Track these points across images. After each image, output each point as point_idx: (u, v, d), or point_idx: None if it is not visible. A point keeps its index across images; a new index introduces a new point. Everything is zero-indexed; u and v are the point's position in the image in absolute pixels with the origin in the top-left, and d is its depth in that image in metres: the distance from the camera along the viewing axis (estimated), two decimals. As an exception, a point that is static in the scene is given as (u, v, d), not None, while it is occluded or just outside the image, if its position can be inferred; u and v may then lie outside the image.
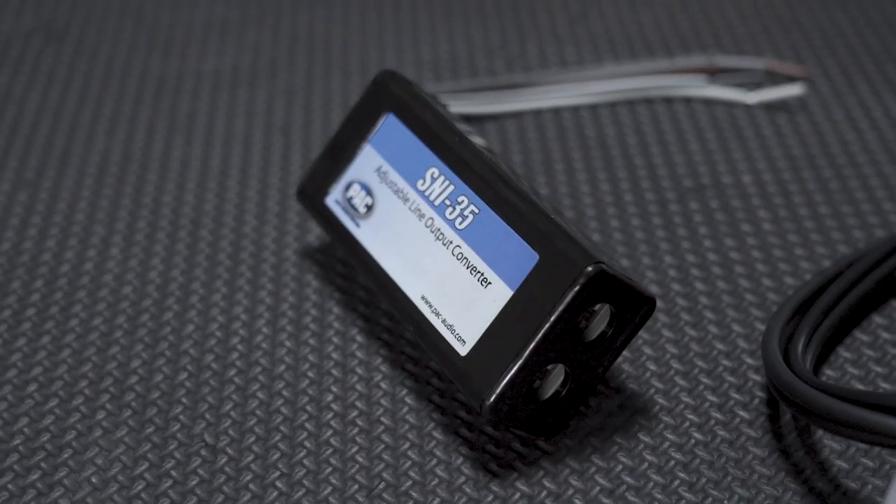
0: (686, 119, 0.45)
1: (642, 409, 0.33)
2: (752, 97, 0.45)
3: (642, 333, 0.36)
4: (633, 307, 0.32)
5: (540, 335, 0.30)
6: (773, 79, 0.46)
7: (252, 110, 0.46)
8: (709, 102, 0.45)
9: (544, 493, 0.31)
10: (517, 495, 0.31)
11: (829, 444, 0.32)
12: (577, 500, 0.31)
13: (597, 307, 0.31)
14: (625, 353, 0.35)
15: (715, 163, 0.43)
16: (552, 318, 0.30)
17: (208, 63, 0.49)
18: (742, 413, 0.33)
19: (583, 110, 0.45)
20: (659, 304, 0.37)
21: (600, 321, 0.32)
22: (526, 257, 0.31)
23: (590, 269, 0.30)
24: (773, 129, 0.44)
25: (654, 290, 0.37)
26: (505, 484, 0.32)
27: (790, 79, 0.46)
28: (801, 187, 0.41)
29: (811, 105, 0.45)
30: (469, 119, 0.44)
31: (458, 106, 0.44)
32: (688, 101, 0.46)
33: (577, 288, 0.30)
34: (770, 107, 0.45)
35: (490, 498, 0.31)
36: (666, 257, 0.39)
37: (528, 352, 0.30)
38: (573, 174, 0.42)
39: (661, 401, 0.34)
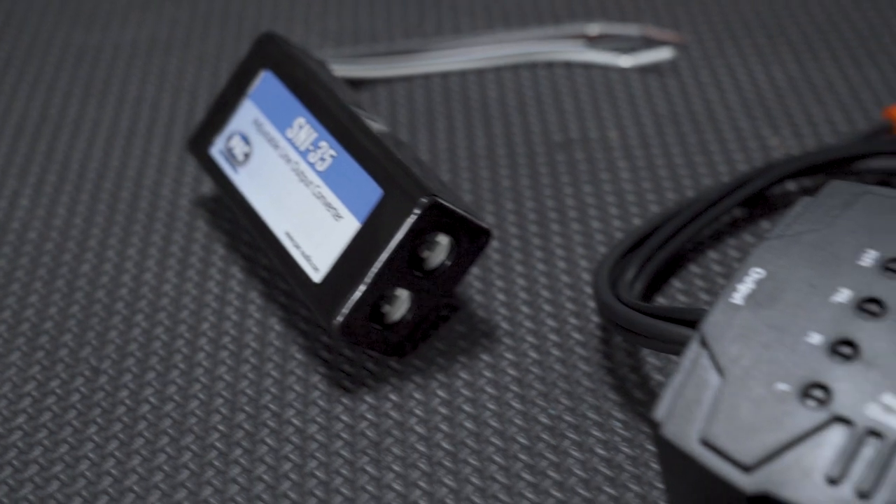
0: (564, 81, 0.48)
1: (487, 333, 0.37)
2: (627, 61, 0.49)
3: (494, 267, 0.39)
4: (470, 238, 0.35)
5: (381, 262, 0.34)
6: (650, 44, 0.49)
7: (164, 76, 0.50)
8: (587, 66, 0.49)
9: (389, 404, 0.35)
10: (364, 406, 0.35)
11: (651, 360, 0.36)
12: (417, 411, 0.35)
13: (438, 238, 0.35)
14: (477, 284, 0.38)
15: (585, 120, 0.46)
16: (391, 247, 0.34)
17: (128, 34, 0.52)
18: (576, 335, 0.37)
19: (470, 75, 0.49)
20: (514, 242, 0.40)
21: (441, 251, 0.35)
22: (372, 193, 0.35)
23: (424, 200, 0.34)
24: (643, 89, 0.47)
25: (512, 230, 0.41)
26: (354, 397, 0.35)
27: (665, 44, 0.49)
28: (661, 141, 0.45)
29: (682, 68, 0.49)
30: (363, 83, 0.48)
31: (353, 71, 0.47)
32: (568, 65, 0.49)
33: (412, 218, 0.34)
34: (644, 70, 0.48)
35: (340, 409, 0.35)
36: (528, 202, 0.42)
37: (370, 277, 0.34)
38: (453, 132, 0.46)
39: (504, 326, 0.37)
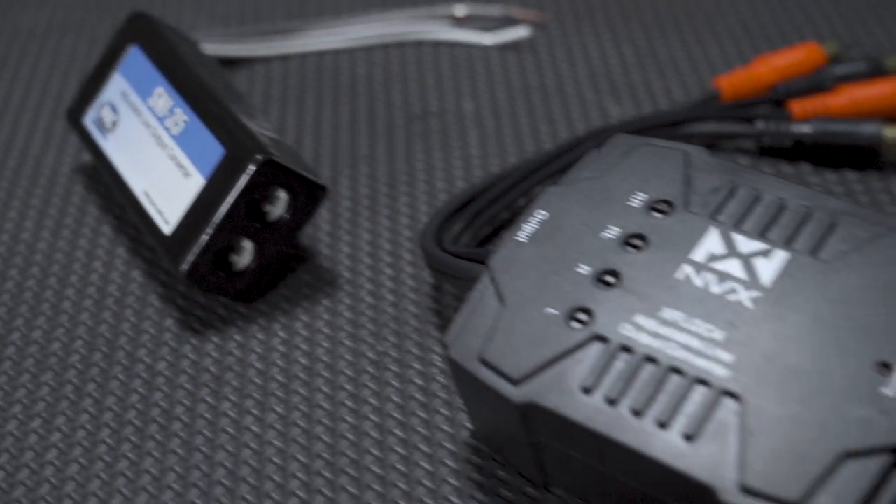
0: (429, 59, 0.52)
1: (330, 282, 0.41)
2: (488, 38, 0.52)
3: (343, 224, 0.43)
4: (306, 193, 0.39)
5: (221, 214, 0.38)
6: (513, 23, 0.53)
7: (57, 56, 0.53)
8: (453, 45, 0.53)
9: (233, 344, 0.38)
10: (210, 346, 0.38)
11: (474, 304, 0.39)
12: (257, 349, 0.38)
13: (277, 192, 0.38)
14: (326, 239, 0.42)
15: (445, 94, 0.50)
16: (230, 200, 0.37)
17: (27, 18, 0.56)
18: (410, 283, 0.40)
19: (343, 54, 0.52)
20: (364, 202, 0.44)
21: (280, 205, 0.39)
22: (216, 152, 0.39)
23: (259, 157, 0.37)
24: (501, 65, 0.51)
25: (364, 191, 0.44)
26: (202, 338, 0.39)
27: (525, 23, 0.53)
28: (512, 112, 0.48)
29: (539, 46, 0.52)
30: (243, 61, 0.51)
31: (233, 50, 0.51)
32: (435, 44, 0.53)
33: (248, 174, 0.37)
34: (504, 48, 0.52)
35: (188, 349, 0.38)
36: (381, 167, 0.46)
37: (211, 228, 0.38)
38: (321, 107, 0.49)
39: (346, 275, 0.41)
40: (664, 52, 0.51)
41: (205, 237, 0.38)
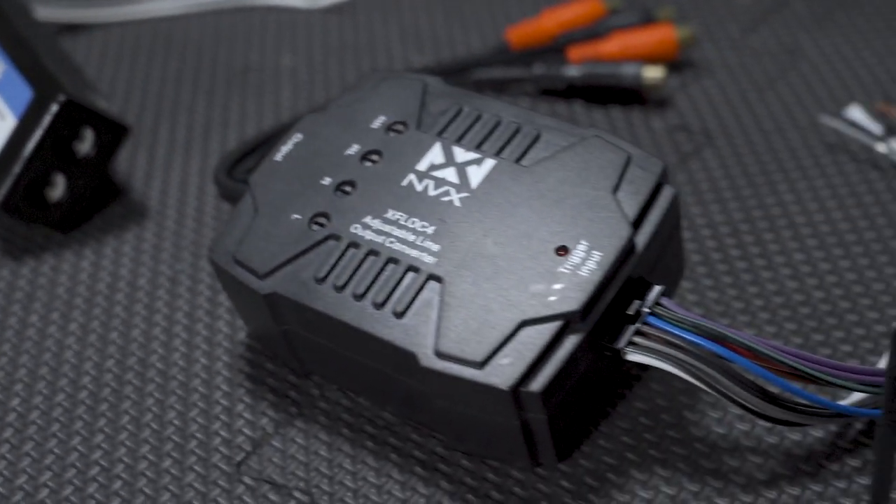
0: (257, 22, 0.57)
1: (140, 213, 0.45)
2: (306, 2, 0.57)
3: (158, 164, 0.48)
4: (110, 132, 0.43)
5: (29, 150, 0.42)
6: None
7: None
8: (281, 9, 0.57)
9: (46, 267, 0.43)
10: (26, 269, 0.43)
11: (265, 228, 0.44)
12: (67, 270, 0.43)
13: (85, 131, 0.43)
14: (140, 177, 0.47)
15: (266, 53, 0.54)
16: (37, 137, 0.42)
17: None
18: (211, 212, 0.45)
19: (179, 20, 0.57)
20: (178, 145, 0.49)
21: (87, 142, 0.43)
22: (26, 95, 0.43)
23: (62, 98, 0.42)
24: (323, 27, 0.56)
25: (180, 137, 0.49)
26: (19, 263, 0.43)
27: (349, -12, 0.58)
28: (325, 66, 0.53)
29: (360, 8, 0.57)
30: (83, 27, 0.56)
31: (73, 15, 0.56)
32: (268, 8, 0.57)
33: (52, 114, 0.42)
34: (329, 11, 0.57)
35: (6, 272, 0.43)
36: (199, 116, 0.50)
37: (21, 163, 0.42)
38: (152, 66, 0.54)
39: (155, 207, 0.46)
40: (469, 9, 0.56)
41: (15, 171, 0.42)
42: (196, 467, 0.36)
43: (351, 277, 0.35)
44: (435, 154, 0.37)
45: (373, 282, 0.35)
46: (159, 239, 0.44)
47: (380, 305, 0.34)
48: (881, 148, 0.45)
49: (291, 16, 0.57)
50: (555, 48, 0.51)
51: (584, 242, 0.34)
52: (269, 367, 0.39)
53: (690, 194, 0.45)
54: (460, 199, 0.36)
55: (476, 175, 0.36)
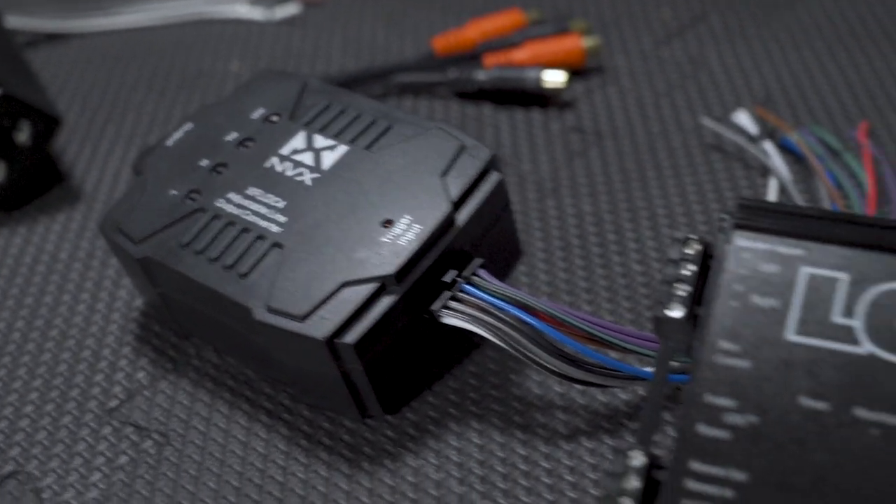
0: (217, 33, 0.62)
1: (76, 197, 0.51)
2: (261, 14, 0.62)
3: (100, 155, 0.53)
4: (45, 123, 0.49)
5: (-30, 136, 0.48)
6: (296, 2, 0.63)
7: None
8: (240, 22, 0.63)
9: (-16, 241, 0.49)
10: (-34, 242, 0.49)
11: (181, 211, 0.49)
12: (17, 240, 0.48)
13: (21, 122, 0.49)
14: (81, 166, 0.52)
15: (220, 59, 0.60)
16: (-24, 126, 0.48)
17: None
18: (136, 197, 0.50)
19: (146, 31, 0.63)
20: (121, 140, 0.54)
21: (24, 132, 0.49)
22: (-29, 90, 0.49)
23: (0, 92, 0.48)
24: (274, 38, 0.61)
25: (124, 132, 0.54)
26: (-38, 237, 0.49)
27: (307, 3, 0.63)
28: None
29: (311, 22, 0.62)
30: (62, 36, 0.62)
31: (51, 25, 0.62)
32: (228, 21, 0.63)
33: (-12, 104, 0.48)
34: (282, 23, 0.62)
35: (-51, 244, 0.49)
36: (145, 116, 0.56)
37: (-37, 147, 0.48)
38: (113, 72, 0.59)
39: (89, 191, 0.51)
40: (409, 22, 0.61)
41: (-47, 160, 0.48)
42: (73, 411, 0.41)
43: (210, 244, 0.40)
44: (298, 141, 0.42)
45: (227, 248, 0.39)
46: (86, 219, 0.49)
47: (229, 267, 0.39)
48: (753, 149, 0.49)
49: (249, 27, 0.62)
50: (473, 55, 0.56)
51: (407, 217, 0.38)
52: (156, 329, 0.44)
53: (568, 188, 0.48)
54: (312, 179, 0.40)
55: (329, 159, 0.41)
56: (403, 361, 0.39)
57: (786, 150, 0.48)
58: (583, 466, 0.37)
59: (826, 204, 0.45)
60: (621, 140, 0.51)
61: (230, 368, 0.42)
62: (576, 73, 0.55)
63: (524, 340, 0.37)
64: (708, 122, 0.50)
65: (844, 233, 0.32)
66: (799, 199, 0.46)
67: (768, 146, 0.48)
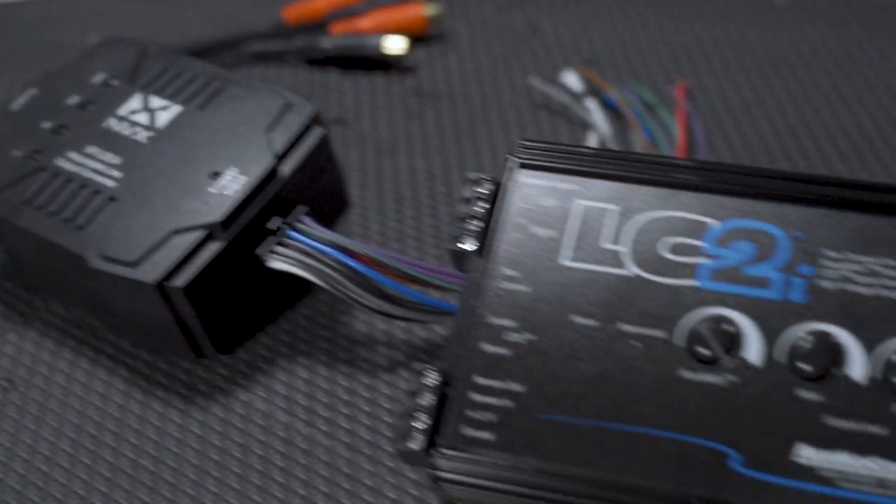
0: (88, 9, 0.64)
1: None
2: (126, -10, 0.64)
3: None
4: None
5: None
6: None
7: None
8: (101, -4, 0.65)
9: None
10: None
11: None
12: None
13: None
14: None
15: (83, 33, 0.62)
16: None
17: None
18: None
19: (18, 6, 0.64)
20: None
21: None
22: None
23: None
24: (139, 13, 0.63)
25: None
26: None
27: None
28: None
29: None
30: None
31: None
32: (88, -4, 0.65)
33: None
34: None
35: None
36: (2, 85, 0.58)
37: None
38: (-21, 43, 0.61)
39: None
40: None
41: None
42: (-77, 361, 0.43)
43: (50, 200, 0.42)
44: (135, 102, 0.44)
45: (66, 203, 0.42)
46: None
47: (67, 221, 0.41)
48: (576, 107, 0.52)
49: (107, 3, 0.64)
50: (321, 24, 0.58)
51: (233, 169, 0.41)
52: (6, 286, 0.46)
53: (405, 147, 0.51)
54: (147, 137, 0.43)
55: (163, 118, 0.43)
56: (234, 304, 0.42)
57: (608, 106, 0.52)
58: (398, 394, 0.40)
59: (641, 155, 0.49)
60: (457, 102, 0.54)
61: (76, 319, 0.44)
62: (419, 39, 0.58)
63: (346, 282, 0.40)
64: (536, 83, 0.53)
65: (614, 169, 0.35)
66: (617, 152, 0.49)
67: (591, 103, 0.52)
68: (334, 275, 0.40)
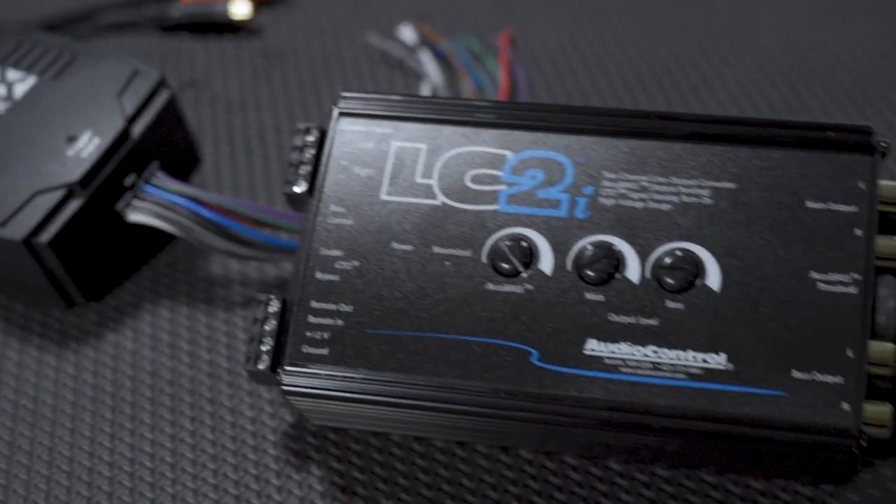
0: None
1: None
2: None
3: None
4: None
5: None
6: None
7: None
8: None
9: None
10: None
11: None
12: None
13: None
14: None
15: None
16: None
17: None
18: None
19: None
20: None
21: None
22: None
23: None
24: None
25: None
26: None
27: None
28: None
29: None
30: None
31: None
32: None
33: None
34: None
35: None
36: None
37: None
38: None
39: None
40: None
41: None
42: None
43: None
44: (-13, 76, 0.48)
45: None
46: None
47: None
48: (411, 60, 0.57)
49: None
50: (174, -6, 0.62)
51: (88, 132, 0.45)
52: None
53: (253, 105, 0.56)
54: (5, 108, 0.46)
55: (20, 90, 0.47)
56: (98, 255, 0.46)
57: (440, 58, 0.57)
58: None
59: (469, 100, 0.54)
60: (301, 61, 0.58)
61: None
62: (264, 3, 0.62)
63: (201, 230, 0.44)
64: (374, 39, 0.58)
65: (423, 112, 0.40)
66: (448, 99, 0.54)
67: (424, 56, 0.57)
68: (189, 224, 0.44)
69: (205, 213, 0.44)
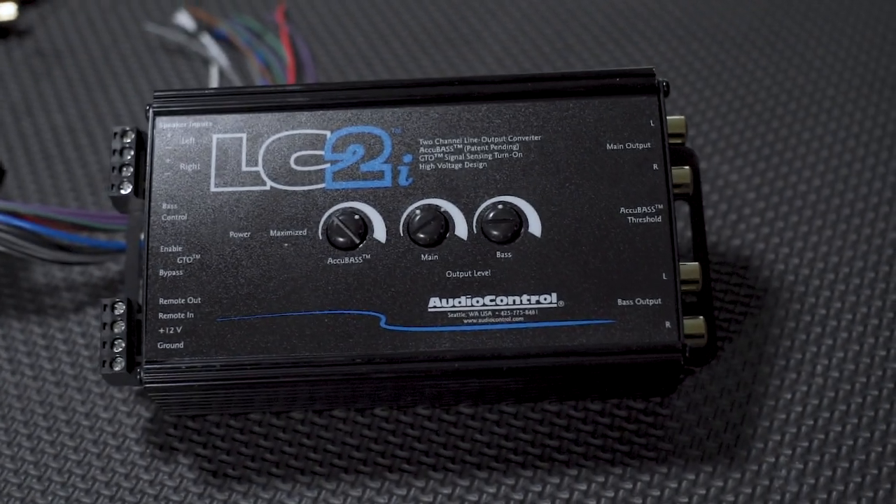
0: None
1: None
2: None
3: None
4: None
5: None
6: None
7: None
8: None
9: None
10: None
11: None
12: None
13: None
14: None
15: None
16: None
17: None
18: None
19: None
20: None
21: None
22: None
23: None
24: None
25: None
26: None
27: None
28: None
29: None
30: None
31: None
32: None
33: None
34: None
35: None
36: None
37: None
38: None
39: None
40: None
41: None
42: None
43: None
44: None
45: None
46: None
47: None
48: (193, 45, 0.57)
49: None
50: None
51: None
52: None
53: (40, 107, 0.55)
54: None
55: None
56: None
57: (221, 40, 0.58)
58: (91, 330, 0.45)
59: (258, 80, 0.55)
60: (79, 57, 0.58)
61: None
62: (28, 2, 0.61)
63: (19, 241, 0.44)
64: (151, 28, 0.58)
65: (238, 103, 0.41)
66: (237, 81, 0.55)
67: (206, 40, 0.57)
68: (11, 238, 0.44)
69: (24, 224, 0.44)
